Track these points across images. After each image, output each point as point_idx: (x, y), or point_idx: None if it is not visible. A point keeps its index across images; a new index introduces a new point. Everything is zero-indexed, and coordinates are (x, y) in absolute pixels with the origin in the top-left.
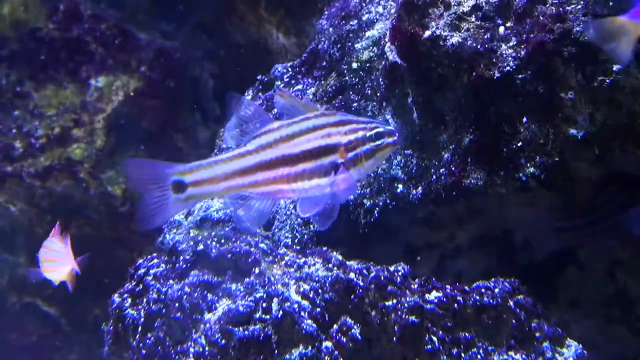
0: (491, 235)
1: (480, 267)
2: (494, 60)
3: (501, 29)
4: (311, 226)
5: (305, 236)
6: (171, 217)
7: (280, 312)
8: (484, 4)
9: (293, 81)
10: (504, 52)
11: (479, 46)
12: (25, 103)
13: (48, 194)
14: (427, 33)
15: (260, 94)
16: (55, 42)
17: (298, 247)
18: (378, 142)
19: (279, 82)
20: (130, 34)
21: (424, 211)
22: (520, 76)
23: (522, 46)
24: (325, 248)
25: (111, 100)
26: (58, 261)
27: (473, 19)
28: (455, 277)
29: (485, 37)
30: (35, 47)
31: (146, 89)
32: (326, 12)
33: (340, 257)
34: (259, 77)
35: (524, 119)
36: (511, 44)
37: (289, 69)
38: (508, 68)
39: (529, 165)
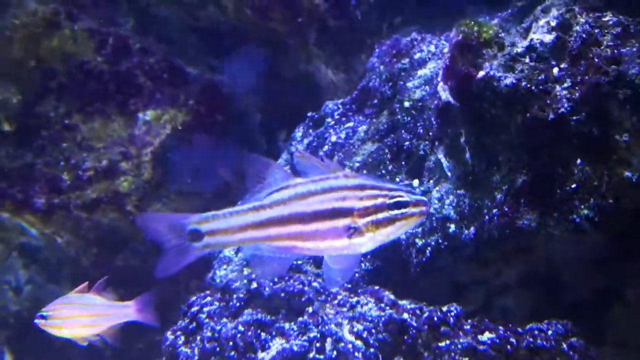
0: (538, 273)
1: (527, 305)
2: (548, 101)
3: (555, 70)
4: (362, 265)
5: (357, 274)
6: (186, 265)
7: (335, 352)
8: (538, 45)
9: (344, 118)
10: (558, 93)
11: (533, 87)
12: (73, 135)
13: (95, 226)
14: (481, 73)
15: (310, 130)
16: (104, 75)
17: (349, 286)
18: (398, 212)
19: (329, 119)
20: (179, 68)
21: (474, 249)
22: (574, 118)
23: (577, 88)
24: (377, 287)
25: (159, 134)
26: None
27: (527, 59)
28: (502, 314)
29: (540, 78)
30: (84, 80)
31: (194, 122)
32: (377, 50)
33: (392, 297)
34: (309, 114)
35: (578, 161)
36: (565, 85)
37: (340, 106)
38: (562, 109)
39: (582, 207)
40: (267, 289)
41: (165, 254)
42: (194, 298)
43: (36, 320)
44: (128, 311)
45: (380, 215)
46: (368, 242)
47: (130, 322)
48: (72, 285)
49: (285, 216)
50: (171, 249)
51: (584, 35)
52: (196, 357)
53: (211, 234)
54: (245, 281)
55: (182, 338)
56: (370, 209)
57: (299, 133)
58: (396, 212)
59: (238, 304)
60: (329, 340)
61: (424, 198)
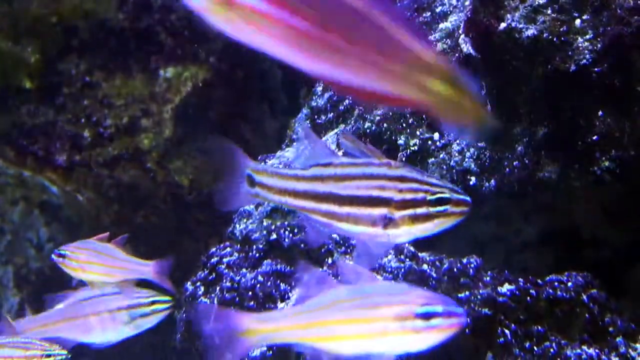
0: (558, 229)
1: (548, 262)
2: (569, 53)
3: (577, 22)
4: None
5: None
6: (242, 206)
7: None
8: None
9: None
10: (580, 45)
11: (554, 38)
12: (95, 92)
13: (116, 183)
14: (503, 25)
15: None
16: (125, 32)
17: None
18: (439, 209)
19: None
20: (200, 24)
21: (494, 204)
22: (596, 69)
23: (599, 39)
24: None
25: (180, 91)
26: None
27: (549, 11)
28: (522, 272)
29: (562, 29)
30: (105, 37)
31: (215, 79)
32: (399, 4)
33: (412, 249)
34: None
35: (600, 113)
36: (587, 36)
37: None
38: (584, 61)
39: (604, 158)
40: (286, 239)
41: (223, 188)
42: (213, 249)
43: (54, 256)
44: (146, 269)
45: (418, 210)
46: (403, 234)
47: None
48: None
49: (320, 193)
50: (229, 184)
51: None
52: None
53: (261, 185)
54: (265, 232)
55: (202, 288)
56: (409, 202)
57: (319, 87)
58: (436, 208)
59: (257, 255)
60: None
61: (467, 198)
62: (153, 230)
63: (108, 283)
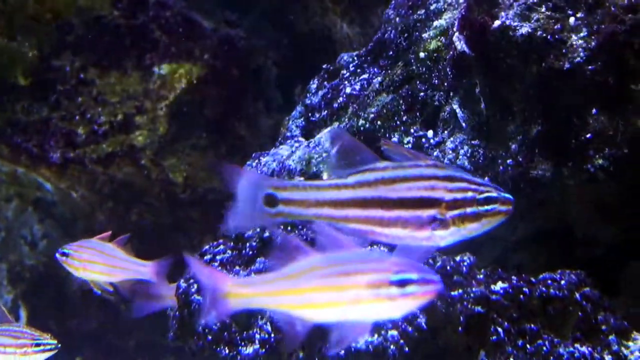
0: (553, 228)
1: (542, 261)
2: (564, 51)
3: (571, 20)
4: None
5: None
6: (256, 227)
7: None
8: None
9: (359, 70)
10: (574, 42)
11: (549, 36)
12: (89, 90)
13: (110, 180)
14: (497, 23)
15: (325, 82)
16: (120, 29)
17: None
18: (487, 207)
19: (344, 71)
20: (195, 21)
21: None
22: (590, 67)
23: (593, 37)
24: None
25: (174, 88)
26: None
27: (543, 9)
28: (516, 270)
29: (556, 27)
30: (100, 34)
31: (209, 77)
32: (393, 2)
33: None
34: (324, 66)
35: (593, 111)
36: (581, 34)
37: (355, 58)
38: (578, 59)
39: (597, 156)
40: (279, 237)
41: (237, 211)
42: (206, 246)
43: (57, 255)
44: (145, 270)
45: (468, 209)
46: (450, 236)
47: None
48: None
49: (368, 198)
50: (245, 206)
51: None
52: None
53: (287, 202)
54: (258, 229)
55: (195, 286)
56: (460, 201)
57: (314, 85)
58: (485, 207)
59: (251, 252)
60: None
61: (511, 197)
62: (147, 227)
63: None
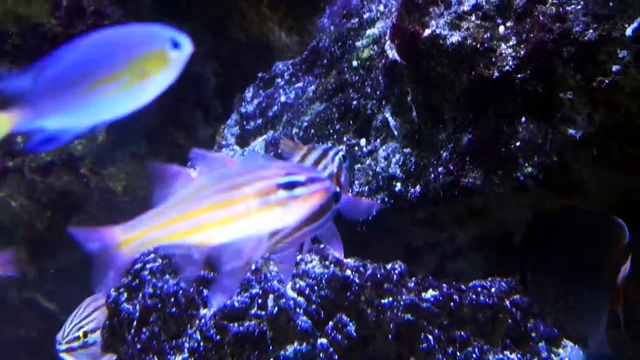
0: (491, 236)
1: (480, 269)
2: (493, 59)
3: (501, 29)
4: None
5: None
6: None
7: (276, 309)
8: (484, 3)
9: (294, 78)
10: (503, 51)
11: (478, 45)
12: None
13: (49, 189)
14: (427, 32)
15: (261, 91)
16: (58, 37)
17: None
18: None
19: (279, 80)
20: None
21: (423, 211)
22: (519, 76)
23: (522, 46)
24: (322, 245)
25: None
26: None
27: (473, 18)
28: (455, 278)
29: (485, 36)
30: (38, 43)
31: None
32: (328, 10)
33: (337, 255)
34: (259, 74)
35: (523, 119)
36: (511, 43)
37: (290, 67)
38: (507, 67)
39: (527, 164)
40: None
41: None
42: (137, 256)
43: None
44: None
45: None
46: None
47: None
48: (27, 249)
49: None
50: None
51: None
52: (138, 313)
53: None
54: None
55: (125, 294)
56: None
57: (249, 94)
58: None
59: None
60: (270, 296)
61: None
62: None
63: None
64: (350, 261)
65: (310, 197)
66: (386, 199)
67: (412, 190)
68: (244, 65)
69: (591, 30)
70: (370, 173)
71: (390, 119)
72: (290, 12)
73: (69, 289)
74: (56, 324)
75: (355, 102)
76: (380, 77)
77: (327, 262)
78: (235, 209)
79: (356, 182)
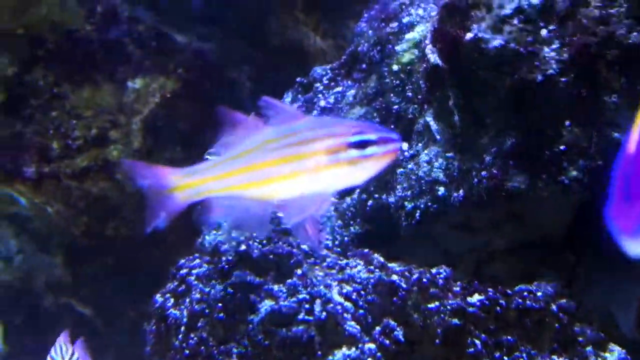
0: (529, 240)
1: (518, 271)
2: (536, 63)
3: (544, 32)
4: (352, 228)
5: (346, 238)
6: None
7: (324, 313)
8: (526, 6)
9: (332, 83)
10: (546, 55)
11: (521, 49)
12: (63, 104)
13: (85, 194)
14: (469, 35)
15: (299, 95)
16: (93, 43)
17: (339, 249)
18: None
19: (318, 84)
20: (168, 36)
21: (464, 215)
22: (562, 79)
23: (565, 49)
24: (366, 250)
25: (148, 102)
26: None
27: (515, 21)
28: (493, 282)
29: (528, 39)
30: (72, 48)
31: (183, 90)
32: (366, 15)
33: (381, 259)
34: (298, 79)
35: (567, 122)
36: (554, 46)
37: (328, 71)
38: (551, 71)
39: (571, 168)
40: (256, 250)
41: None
42: (182, 261)
43: None
44: None
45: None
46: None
47: None
48: (64, 255)
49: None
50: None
51: None
52: (185, 319)
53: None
54: (234, 243)
55: (172, 300)
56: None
57: (288, 99)
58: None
59: (227, 266)
60: (318, 301)
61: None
62: (123, 242)
63: None
64: (394, 265)
65: (382, 157)
66: (429, 204)
67: (456, 194)
68: (278, 70)
69: (635, 33)
70: (413, 177)
71: (432, 123)
72: (325, 16)
73: (104, 294)
74: (91, 329)
75: (396, 107)
76: (421, 81)
77: (372, 267)
78: (304, 164)
79: (398, 186)
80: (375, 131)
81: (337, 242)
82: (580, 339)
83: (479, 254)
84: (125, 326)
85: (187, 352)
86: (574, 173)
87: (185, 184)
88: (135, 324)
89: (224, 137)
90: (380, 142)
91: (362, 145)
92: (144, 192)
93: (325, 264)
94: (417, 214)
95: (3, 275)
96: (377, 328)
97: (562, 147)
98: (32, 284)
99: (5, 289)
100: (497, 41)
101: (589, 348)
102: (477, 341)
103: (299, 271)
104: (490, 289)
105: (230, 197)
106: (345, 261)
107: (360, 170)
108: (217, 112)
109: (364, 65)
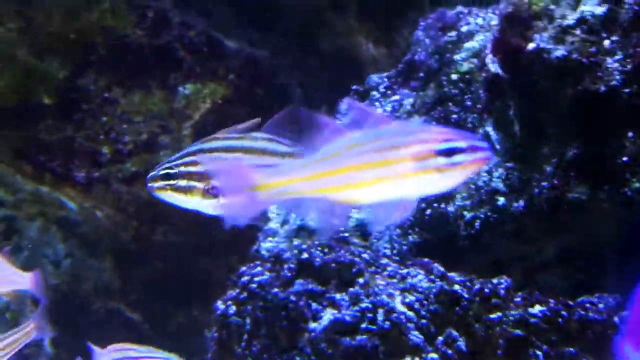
0: (583, 250)
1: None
2: (599, 74)
3: (606, 43)
4: (410, 237)
5: (404, 247)
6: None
7: (388, 322)
8: (589, 17)
9: (389, 91)
10: (609, 65)
11: (584, 59)
12: (114, 109)
13: (134, 199)
14: (531, 45)
15: None
16: (144, 48)
17: (397, 258)
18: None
19: (374, 92)
20: (219, 41)
21: (523, 224)
22: (626, 90)
23: (628, 60)
24: (426, 259)
25: (199, 108)
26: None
27: (578, 32)
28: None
29: (591, 50)
30: (124, 54)
31: (234, 96)
32: (422, 23)
33: (441, 268)
34: (353, 87)
35: (630, 134)
36: (617, 57)
37: (385, 79)
38: (614, 82)
39: (634, 180)
40: (318, 259)
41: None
42: (244, 268)
43: None
44: (23, 280)
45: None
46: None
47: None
48: (112, 260)
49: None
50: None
51: (635, 7)
52: (248, 327)
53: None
54: (295, 251)
55: (234, 307)
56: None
57: (344, 106)
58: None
59: (289, 274)
60: (380, 310)
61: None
62: (172, 248)
63: None
64: (454, 275)
65: (470, 165)
66: (489, 213)
67: (516, 204)
68: (330, 77)
69: None
70: (473, 187)
71: (492, 132)
72: (378, 24)
73: (153, 299)
74: (139, 334)
75: (455, 116)
76: (481, 91)
77: (432, 276)
78: (390, 170)
79: (457, 195)
80: (465, 138)
81: (395, 251)
82: None
83: (533, 264)
84: (173, 331)
85: (250, 359)
86: (637, 185)
87: (268, 184)
88: (183, 329)
89: (307, 141)
90: (468, 150)
91: (450, 152)
92: (227, 190)
93: (386, 272)
94: (477, 224)
95: (51, 278)
96: (440, 338)
97: (624, 159)
98: (80, 288)
99: (54, 293)
100: (559, 51)
101: None
102: (539, 352)
103: (361, 280)
104: (551, 300)
105: (313, 200)
106: (405, 270)
107: (447, 178)
108: (299, 114)
109: (421, 74)
